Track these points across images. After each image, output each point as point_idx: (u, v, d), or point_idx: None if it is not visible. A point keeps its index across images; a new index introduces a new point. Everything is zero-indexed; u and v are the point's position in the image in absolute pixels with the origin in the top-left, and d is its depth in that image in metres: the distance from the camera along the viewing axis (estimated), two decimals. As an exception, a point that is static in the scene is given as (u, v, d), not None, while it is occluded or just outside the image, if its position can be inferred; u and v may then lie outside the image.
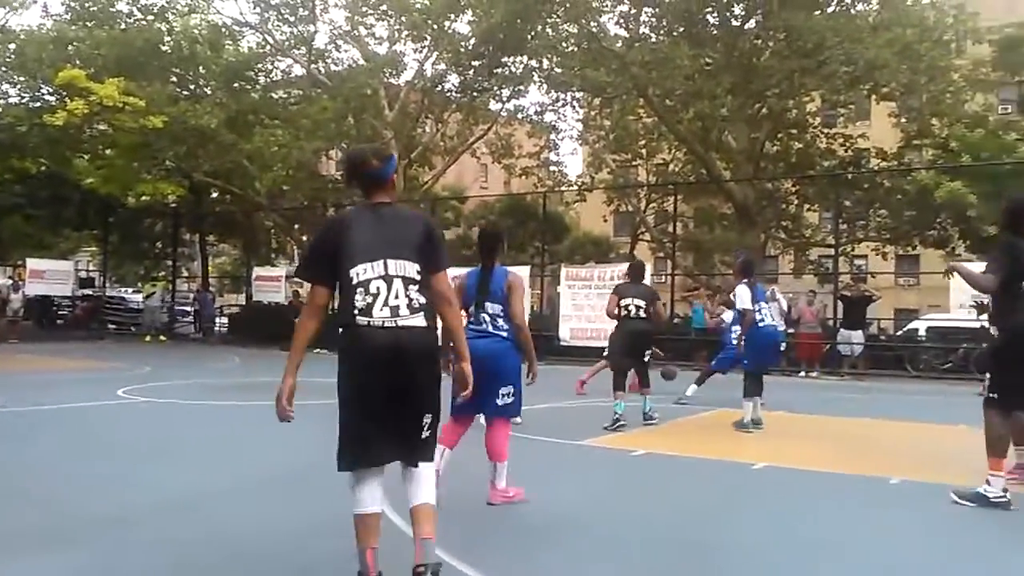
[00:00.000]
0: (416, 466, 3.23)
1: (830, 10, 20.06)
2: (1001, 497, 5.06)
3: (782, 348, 16.53)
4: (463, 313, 4.60)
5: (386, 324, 3.12)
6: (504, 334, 4.87)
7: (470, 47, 23.63)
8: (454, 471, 4.91)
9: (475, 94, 25.19)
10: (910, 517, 4.97)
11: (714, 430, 8.62)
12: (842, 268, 21.64)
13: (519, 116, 26.61)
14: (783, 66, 19.79)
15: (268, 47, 25.64)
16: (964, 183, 18.03)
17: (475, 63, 24.09)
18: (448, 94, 25.79)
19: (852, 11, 20.14)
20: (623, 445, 7.19)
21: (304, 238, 29.42)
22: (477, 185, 36.73)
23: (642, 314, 8.36)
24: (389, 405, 3.16)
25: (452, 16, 23.30)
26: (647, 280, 10.14)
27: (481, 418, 5.01)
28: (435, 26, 22.99)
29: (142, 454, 6.43)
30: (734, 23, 21.54)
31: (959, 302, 14.43)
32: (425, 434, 3.24)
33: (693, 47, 20.16)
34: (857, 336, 16.85)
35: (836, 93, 21.42)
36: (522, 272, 19.28)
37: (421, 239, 3.28)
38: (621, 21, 22.56)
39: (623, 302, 8.38)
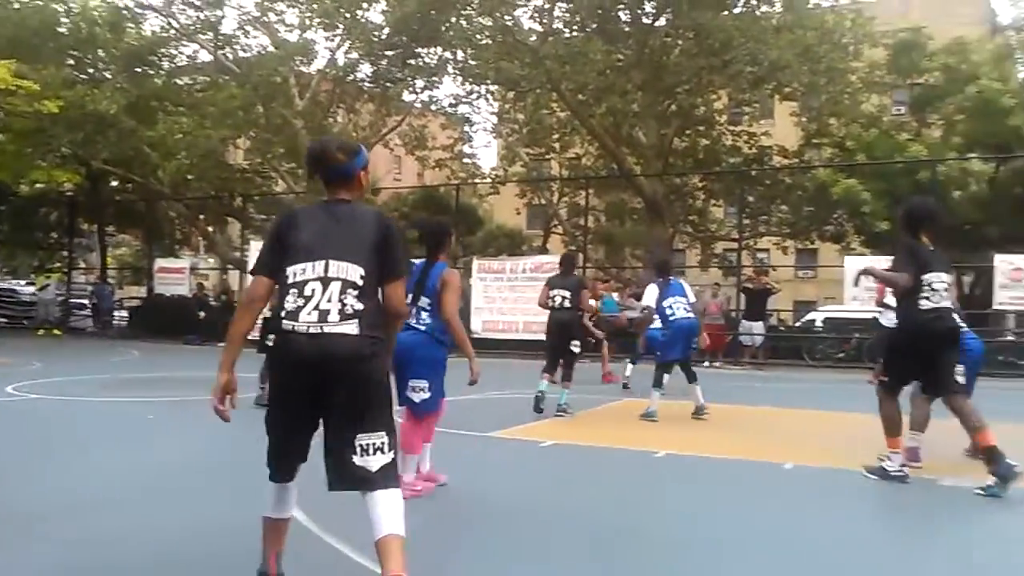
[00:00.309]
0: (372, 491, 2.86)
1: (736, 11, 20.64)
2: (899, 471, 5.49)
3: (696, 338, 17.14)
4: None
5: (311, 330, 2.82)
6: (423, 327, 4.84)
7: (383, 37, 23.35)
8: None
9: (388, 84, 24.93)
10: (801, 500, 5.20)
11: (620, 420, 8.82)
12: (745, 261, 22.40)
13: (433, 108, 26.46)
14: (691, 64, 20.28)
15: (172, 31, 24.74)
16: (859, 181, 18.86)
17: (388, 53, 23.83)
18: (361, 84, 25.44)
19: (757, 12, 20.75)
20: (531, 436, 7.28)
21: (210, 229, 28.63)
22: (390, 177, 36.30)
23: (567, 304, 8.63)
24: (312, 421, 2.94)
25: (365, 5, 22.99)
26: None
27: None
28: (347, 14, 22.63)
29: (27, 454, 6.16)
30: (645, 21, 21.94)
31: (853, 295, 15.09)
32: (371, 458, 2.86)
33: (605, 43, 20.45)
34: (758, 327, 17.47)
35: (741, 92, 22.10)
36: (435, 264, 19.36)
37: (375, 241, 2.98)
38: (535, 15, 22.70)
39: (551, 293, 8.75)
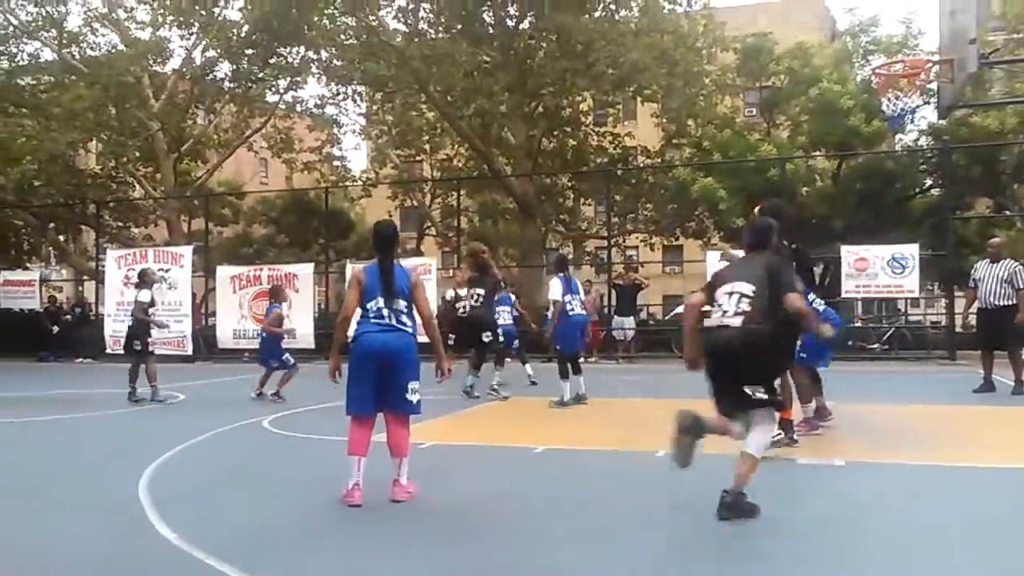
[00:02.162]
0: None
1: (597, 14, 21.22)
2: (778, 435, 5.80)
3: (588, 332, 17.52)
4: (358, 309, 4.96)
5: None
6: (409, 329, 4.97)
7: (242, 35, 22.62)
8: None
9: (250, 84, 24.20)
10: (675, 486, 5.44)
11: (501, 418, 8.94)
12: (616, 259, 23.07)
13: (298, 109, 25.88)
14: (555, 66, 20.71)
15: (11, 28, 23.10)
16: (715, 179, 19.76)
17: (248, 52, 23.10)
18: (220, 84, 24.58)
19: (616, 16, 21.41)
20: (413, 439, 7.25)
21: (61, 237, 26.94)
22: (256, 180, 35.20)
23: (479, 303, 10.40)
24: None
25: (222, 2, 22.24)
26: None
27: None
28: (203, 12, 21.82)
29: None
30: (509, 23, 22.24)
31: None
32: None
33: (471, 44, 20.59)
34: (629, 322, 18.05)
35: (605, 94, 22.75)
36: (308, 270, 18.95)
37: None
38: (399, 16, 22.60)
39: (471, 291, 10.41)
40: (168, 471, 6.08)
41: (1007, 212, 20.95)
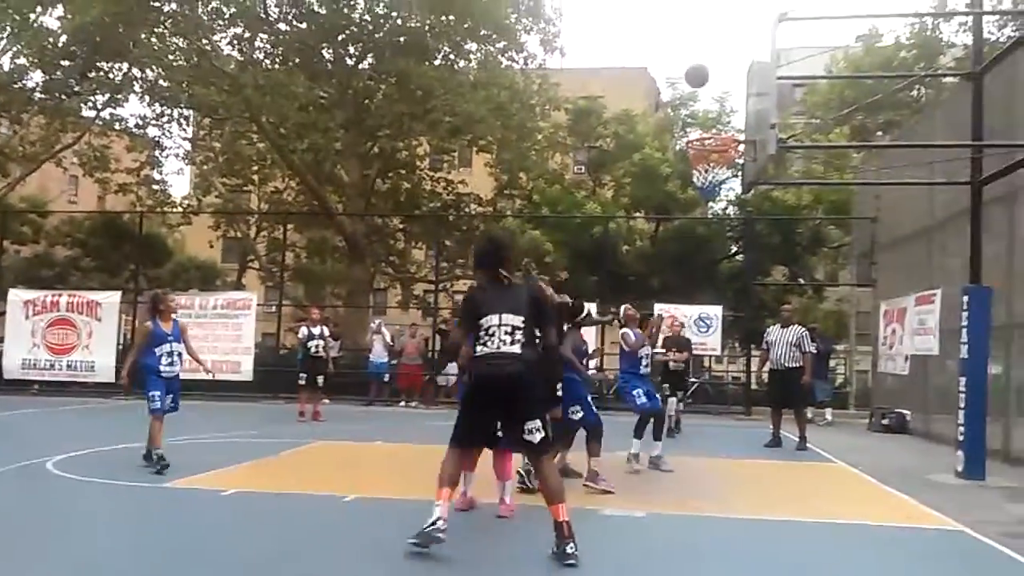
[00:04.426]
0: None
1: (437, 62, 21.57)
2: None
3: (385, 379, 17.30)
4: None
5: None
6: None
7: (59, 45, 21.14)
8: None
9: (63, 97, 22.56)
10: (490, 535, 5.47)
11: (307, 464, 8.67)
12: (443, 303, 23.20)
13: (117, 127, 24.38)
14: (393, 109, 20.81)
15: None
16: (543, 232, 20.45)
17: (65, 63, 21.59)
18: (30, 94, 22.76)
19: (455, 67, 21.87)
20: (212, 485, 6.90)
21: None
22: (65, 198, 32.73)
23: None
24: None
25: (39, 9, 20.73)
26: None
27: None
28: (16, 16, 20.25)
29: None
30: (349, 61, 22.17)
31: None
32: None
33: (308, 78, 20.33)
34: (452, 367, 18.08)
35: (441, 140, 23.05)
36: (113, 299, 17.69)
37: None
38: (234, 42, 21.97)
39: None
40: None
41: (800, 281, 22.97)
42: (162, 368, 7.66)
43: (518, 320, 4.71)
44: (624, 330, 8.39)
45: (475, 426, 4.84)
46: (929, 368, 12.73)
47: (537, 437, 4.71)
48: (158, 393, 7.62)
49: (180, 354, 7.90)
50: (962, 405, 8.48)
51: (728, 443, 11.69)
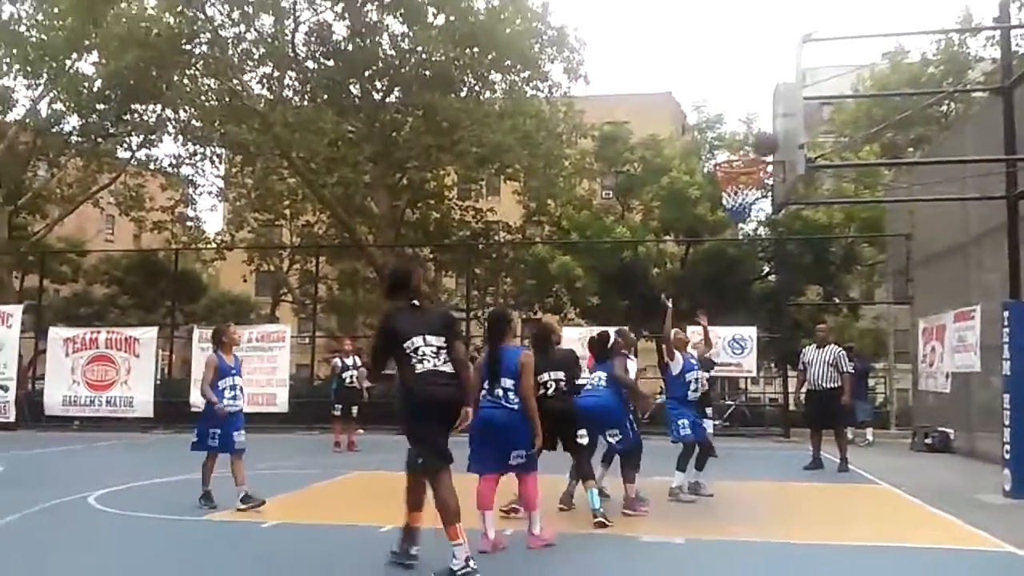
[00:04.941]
0: None
1: (463, 94, 21.80)
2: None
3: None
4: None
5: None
6: (515, 407, 5.71)
7: (94, 90, 21.71)
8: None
9: (99, 139, 23.12)
10: (525, 565, 5.43)
11: (344, 495, 8.69)
12: (475, 331, 23.22)
13: (151, 167, 24.93)
14: (421, 141, 21.03)
15: None
16: (573, 257, 20.45)
17: (100, 106, 22.15)
18: (67, 137, 23.37)
19: (481, 97, 22.08)
20: (252, 518, 6.94)
21: None
22: (101, 238, 33.42)
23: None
24: None
25: (75, 55, 21.33)
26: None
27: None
28: (53, 63, 20.84)
29: None
30: (376, 96, 22.48)
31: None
32: None
33: (336, 114, 20.63)
34: (484, 395, 18.08)
35: (468, 170, 23.21)
36: (150, 334, 17.97)
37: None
38: (264, 81, 22.40)
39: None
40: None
41: (835, 300, 22.70)
42: (225, 403, 7.27)
43: (440, 340, 5.04)
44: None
45: (437, 440, 4.99)
46: (972, 385, 12.47)
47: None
48: (217, 431, 7.23)
49: (242, 388, 7.60)
50: (1007, 422, 8.30)
51: (768, 466, 11.53)
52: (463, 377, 5.09)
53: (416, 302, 5.17)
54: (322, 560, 5.59)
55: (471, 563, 4.76)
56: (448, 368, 4.97)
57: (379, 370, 5.38)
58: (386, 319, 5.16)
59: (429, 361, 4.94)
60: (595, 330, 9.85)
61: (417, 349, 4.95)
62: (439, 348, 4.99)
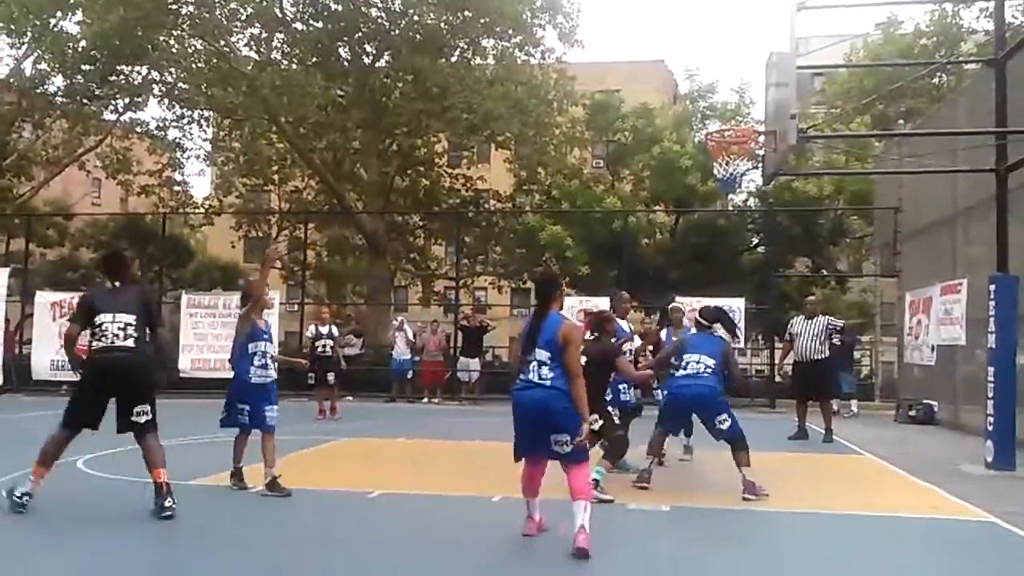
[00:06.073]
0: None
1: (453, 59, 21.58)
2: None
3: (408, 376, 17.40)
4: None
5: None
6: (548, 383, 4.85)
7: (79, 49, 21.34)
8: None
9: (85, 101, 22.78)
10: (508, 531, 5.47)
11: (332, 461, 8.72)
12: (463, 300, 23.24)
13: (138, 130, 24.61)
14: (411, 106, 20.83)
15: None
16: (563, 227, 20.41)
17: (85, 67, 21.79)
18: (52, 98, 23.02)
19: (472, 63, 21.85)
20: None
21: None
22: (88, 201, 33.06)
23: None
24: None
25: (59, 14, 20.93)
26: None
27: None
28: (37, 22, 20.45)
29: None
30: (366, 60, 22.22)
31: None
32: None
33: (325, 78, 20.39)
34: (474, 363, 18.13)
35: (459, 137, 23.04)
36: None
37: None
38: (252, 43, 22.08)
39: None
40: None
41: (823, 272, 22.79)
42: (254, 372, 6.42)
43: (131, 318, 5.57)
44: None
45: (87, 408, 5.70)
46: (957, 358, 12.59)
47: (143, 419, 5.61)
48: (246, 406, 6.44)
49: (273, 357, 6.66)
50: (990, 395, 8.38)
51: (753, 436, 11.42)
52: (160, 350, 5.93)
53: (120, 282, 5.76)
54: (305, 523, 5.62)
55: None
56: (129, 343, 5.53)
57: (71, 341, 5.81)
58: (84, 296, 6.03)
59: (108, 337, 5.52)
60: (584, 299, 9.90)
61: (102, 325, 5.54)
62: (126, 324, 5.56)
